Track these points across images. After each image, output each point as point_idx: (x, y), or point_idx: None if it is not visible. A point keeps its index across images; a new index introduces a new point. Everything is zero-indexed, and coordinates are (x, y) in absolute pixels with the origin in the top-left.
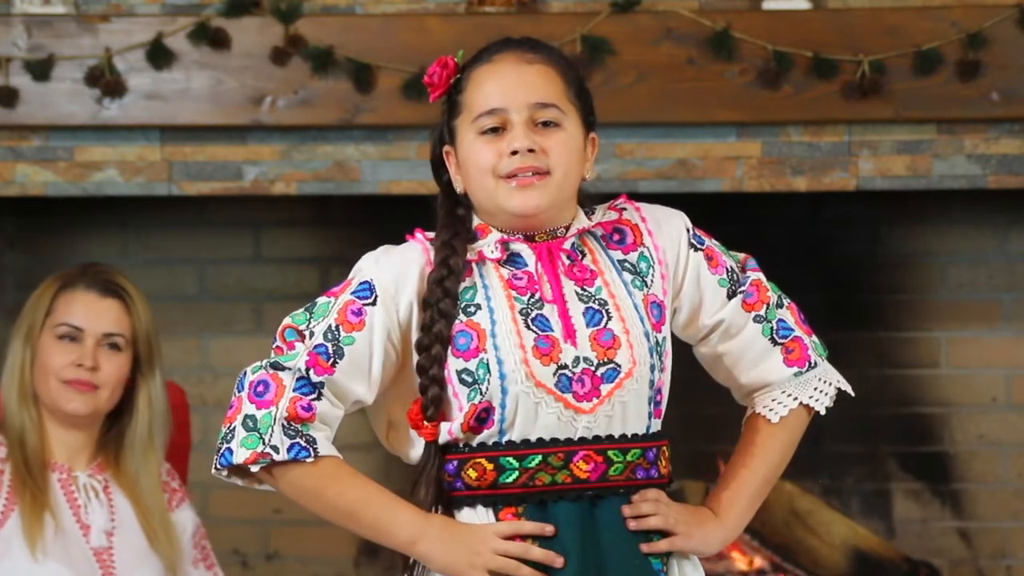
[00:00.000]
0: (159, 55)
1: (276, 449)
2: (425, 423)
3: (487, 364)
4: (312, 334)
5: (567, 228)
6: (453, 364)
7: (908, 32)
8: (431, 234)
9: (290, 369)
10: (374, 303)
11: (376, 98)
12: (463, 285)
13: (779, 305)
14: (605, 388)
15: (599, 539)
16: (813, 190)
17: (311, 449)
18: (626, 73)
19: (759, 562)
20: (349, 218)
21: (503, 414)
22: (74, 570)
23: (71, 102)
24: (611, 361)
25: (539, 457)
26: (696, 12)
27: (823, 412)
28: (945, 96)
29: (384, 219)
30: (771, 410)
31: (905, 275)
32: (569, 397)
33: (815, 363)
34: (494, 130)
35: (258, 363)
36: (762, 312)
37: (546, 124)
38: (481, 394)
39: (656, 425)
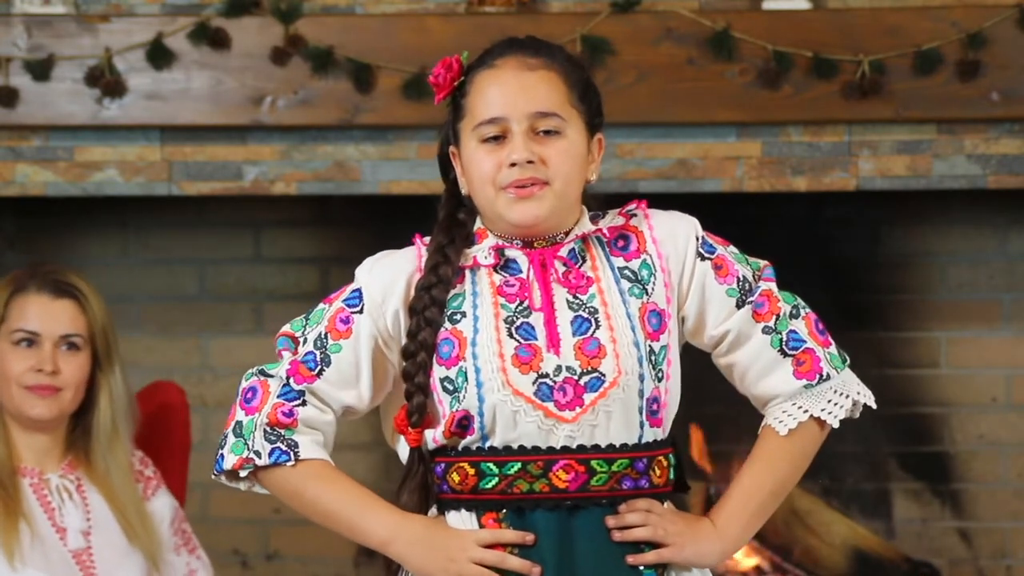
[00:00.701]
0: (159, 55)
1: (258, 454)
2: (410, 429)
3: (465, 372)
4: (305, 340)
5: (568, 233)
6: (437, 372)
7: (908, 32)
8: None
9: (276, 376)
10: (361, 311)
11: (376, 98)
12: (453, 292)
13: (793, 316)
14: (589, 397)
15: (577, 549)
16: (813, 190)
17: (291, 453)
18: (626, 73)
19: (759, 562)
20: (349, 218)
21: (482, 422)
22: (54, 575)
23: (71, 102)
24: (595, 370)
25: (518, 464)
26: (696, 12)
27: (836, 426)
28: (945, 96)
29: (384, 219)
30: (780, 422)
31: (905, 275)
32: (550, 406)
33: (827, 375)
34: (495, 138)
35: (251, 370)
36: (771, 323)
37: (547, 133)
38: (459, 402)
39: (653, 434)
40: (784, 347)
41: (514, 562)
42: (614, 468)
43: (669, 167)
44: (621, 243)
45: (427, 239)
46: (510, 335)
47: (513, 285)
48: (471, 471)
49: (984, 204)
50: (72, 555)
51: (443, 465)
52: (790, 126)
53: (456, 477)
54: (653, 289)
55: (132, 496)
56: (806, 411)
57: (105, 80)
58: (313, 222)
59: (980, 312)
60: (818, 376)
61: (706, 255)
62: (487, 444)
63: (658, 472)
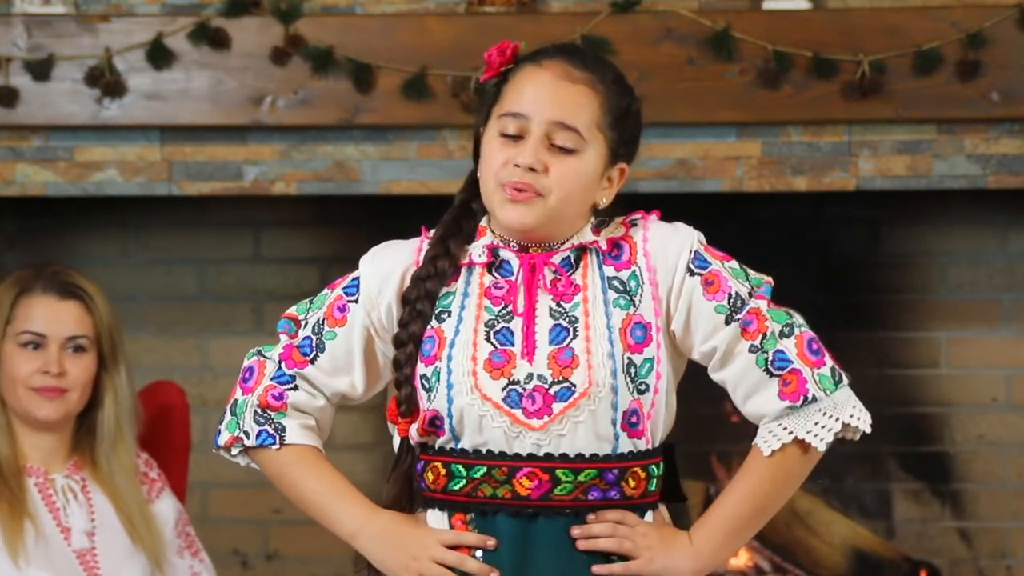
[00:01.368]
0: (159, 55)
1: (247, 434)
2: (400, 419)
3: (439, 373)
4: (306, 324)
5: (565, 241)
6: (419, 368)
7: (908, 32)
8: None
9: (271, 358)
10: (356, 301)
11: (376, 98)
12: (446, 289)
13: (784, 335)
14: (557, 406)
15: (536, 557)
16: (813, 190)
17: (277, 436)
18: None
19: (759, 562)
20: (349, 218)
21: (451, 423)
22: (58, 575)
23: (71, 102)
24: (566, 380)
25: (484, 468)
26: (696, 12)
27: (822, 449)
28: (945, 96)
29: (384, 219)
30: (765, 442)
31: (905, 275)
32: (518, 413)
33: (813, 397)
34: (513, 137)
35: (253, 350)
36: (757, 341)
37: (561, 147)
38: (431, 402)
39: (632, 445)
40: (769, 367)
41: (473, 564)
42: (580, 478)
43: (669, 167)
44: (615, 252)
45: (432, 233)
46: (487, 339)
47: (502, 288)
48: (443, 471)
49: (984, 204)
50: (76, 555)
51: (422, 463)
52: (790, 126)
53: (430, 476)
54: (640, 301)
55: (136, 497)
56: (791, 432)
57: (105, 80)
58: (313, 222)
59: (980, 312)
60: (803, 398)
61: (696, 270)
62: (458, 445)
63: (632, 484)
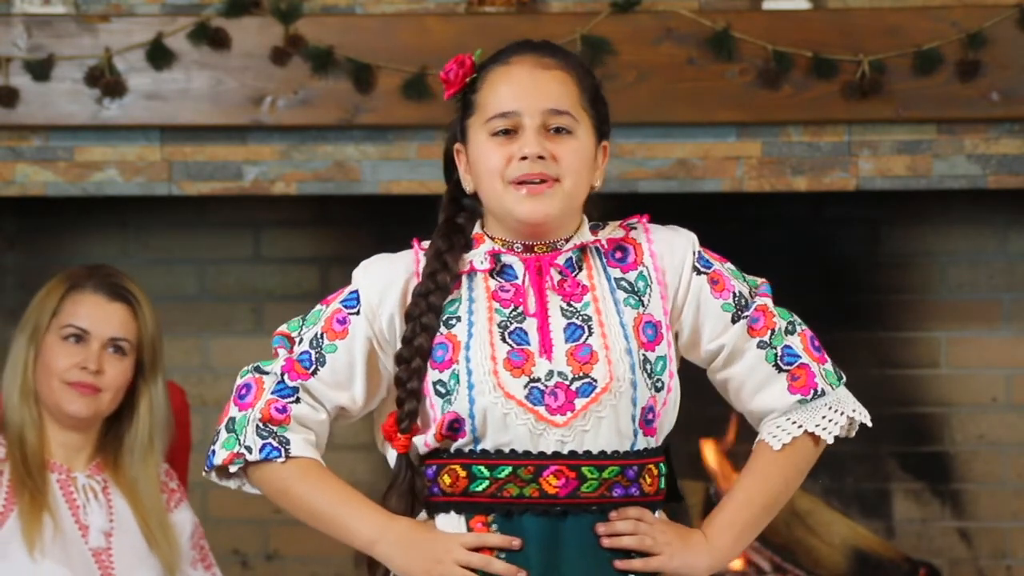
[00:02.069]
0: (159, 55)
1: (249, 449)
2: (399, 435)
3: (458, 375)
4: (301, 340)
5: (568, 240)
6: (430, 375)
7: (908, 32)
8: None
9: (271, 373)
10: (357, 313)
11: (376, 98)
12: (450, 297)
13: (789, 332)
14: (580, 402)
15: (564, 555)
16: (813, 190)
17: (282, 449)
18: (626, 73)
19: (759, 562)
20: (349, 218)
21: (473, 424)
22: (72, 570)
23: (71, 102)
24: (587, 376)
25: (509, 468)
26: (696, 12)
27: (830, 441)
28: (945, 96)
29: (384, 219)
30: (774, 437)
31: (905, 275)
32: (541, 410)
33: (822, 391)
34: (506, 132)
35: (247, 367)
36: (766, 338)
37: (558, 131)
38: (451, 404)
39: (646, 443)
40: (779, 362)
41: (499, 566)
42: (604, 475)
43: (669, 167)
44: (619, 254)
45: (425, 243)
46: (503, 339)
47: (508, 291)
48: (462, 473)
49: (984, 204)
50: (92, 553)
51: (434, 467)
52: (790, 126)
53: (447, 479)
54: (649, 301)
55: (157, 506)
56: (800, 426)
57: (105, 80)
58: (313, 222)
59: (980, 312)
60: (812, 391)
61: (702, 270)
62: (479, 447)
63: (648, 480)
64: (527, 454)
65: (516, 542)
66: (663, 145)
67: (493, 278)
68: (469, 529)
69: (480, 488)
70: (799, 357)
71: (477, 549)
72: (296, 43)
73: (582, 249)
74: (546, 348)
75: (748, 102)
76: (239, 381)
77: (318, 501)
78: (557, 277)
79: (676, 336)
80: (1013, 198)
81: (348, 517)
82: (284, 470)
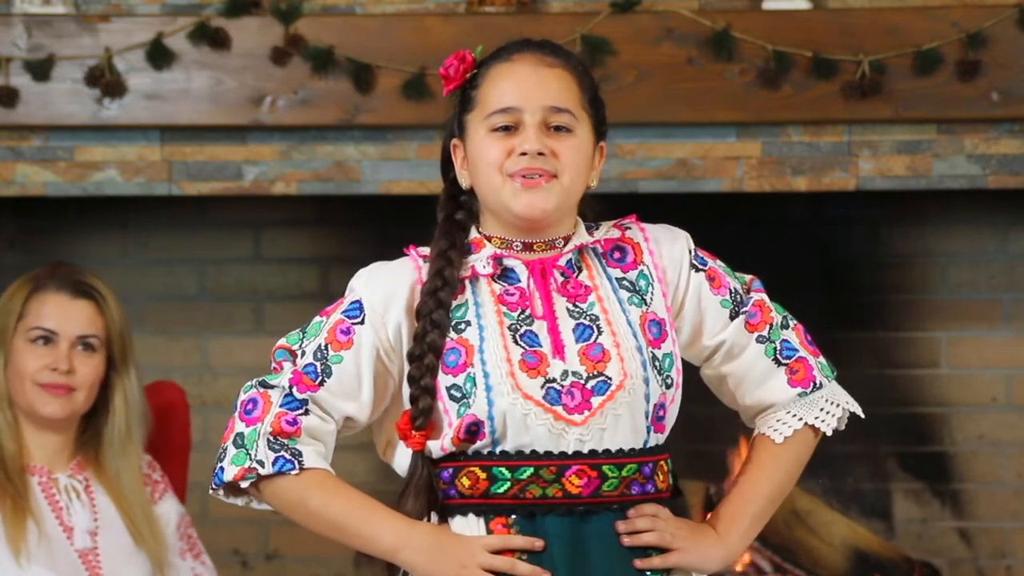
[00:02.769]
0: (159, 55)
1: (262, 463)
2: (413, 432)
3: (474, 378)
4: (304, 353)
5: (566, 240)
6: (443, 381)
7: (908, 32)
8: (424, 250)
9: (277, 387)
10: (362, 322)
11: (376, 98)
12: (454, 303)
13: (784, 326)
14: (596, 400)
15: (588, 554)
16: (813, 190)
17: (296, 462)
18: (626, 73)
19: (759, 562)
20: (349, 218)
21: (492, 426)
22: (59, 574)
23: (71, 102)
24: (601, 374)
25: (531, 469)
26: (696, 12)
27: (829, 433)
28: (945, 96)
29: (384, 219)
30: (775, 430)
31: (905, 275)
32: (559, 409)
33: (820, 384)
34: (506, 128)
35: (250, 383)
36: (765, 332)
37: (558, 128)
38: (468, 407)
39: (656, 439)
40: (778, 356)
41: (524, 568)
42: (624, 473)
43: (669, 167)
44: (617, 255)
45: (421, 249)
46: (515, 341)
47: (513, 294)
48: (482, 475)
49: (984, 204)
50: (78, 555)
51: (451, 470)
52: (790, 126)
53: (466, 482)
54: (652, 299)
55: (140, 499)
56: (801, 419)
57: (105, 80)
58: (313, 222)
59: (980, 312)
60: (812, 384)
61: (699, 267)
62: (498, 449)
63: (661, 477)
64: (548, 454)
65: (539, 543)
66: (663, 145)
67: (496, 282)
68: (489, 531)
69: (502, 490)
70: (797, 351)
71: (500, 552)
72: (296, 43)
73: (579, 251)
74: (558, 349)
75: (748, 102)
76: (243, 396)
77: (336, 511)
78: (560, 279)
79: (677, 333)
80: (1013, 198)
81: (368, 526)
82: (299, 482)
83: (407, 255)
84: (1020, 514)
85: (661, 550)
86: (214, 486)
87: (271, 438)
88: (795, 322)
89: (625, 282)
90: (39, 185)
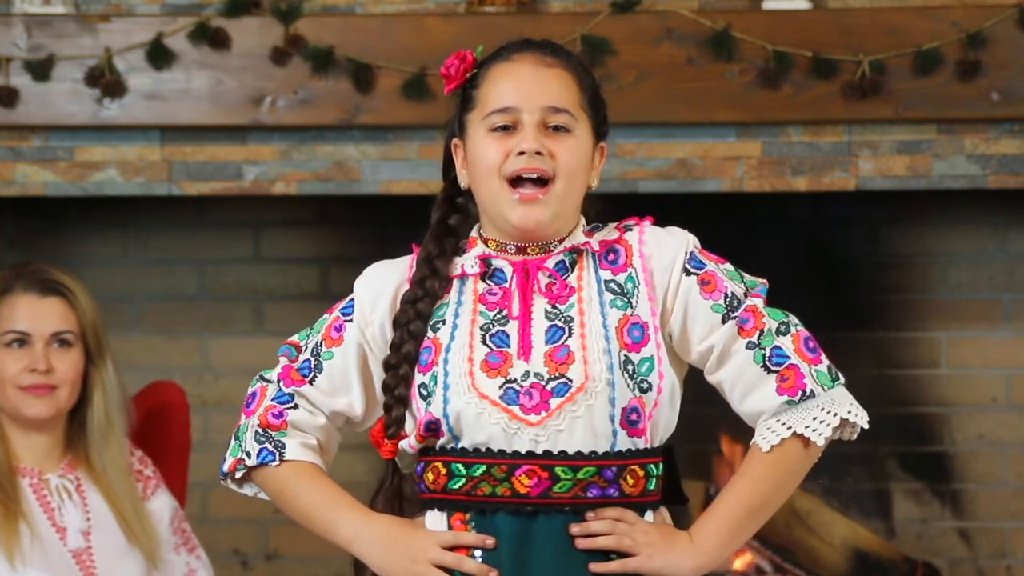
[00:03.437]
0: (159, 55)
1: (249, 454)
2: (386, 440)
3: (436, 377)
4: (306, 348)
5: (561, 243)
6: (416, 379)
7: (908, 32)
8: None
9: (273, 381)
10: (352, 320)
11: (376, 98)
12: (440, 302)
13: (781, 332)
14: (555, 402)
15: (535, 555)
16: (813, 190)
17: (277, 453)
18: (626, 73)
19: (759, 562)
20: (349, 218)
21: (448, 424)
22: (54, 575)
23: (71, 102)
24: (562, 376)
25: (484, 467)
26: (696, 12)
27: (821, 444)
28: (945, 96)
29: (384, 219)
30: (764, 438)
31: (905, 275)
32: (515, 409)
33: (811, 392)
34: (504, 128)
35: (256, 376)
36: (755, 338)
37: (557, 129)
38: (429, 406)
39: (631, 443)
40: (767, 363)
41: (471, 565)
42: (579, 476)
43: (669, 167)
44: (611, 256)
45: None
46: (483, 342)
47: (496, 294)
48: (443, 470)
49: (984, 204)
50: (72, 555)
51: (422, 464)
52: (790, 126)
53: (430, 476)
54: (637, 302)
55: (130, 494)
56: (789, 428)
57: (105, 80)
58: (313, 222)
59: (980, 312)
60: (800, 392)
61: (692, 270)
62: (459, 445)
63: (631, 482)
64: (501, 453)
65: (490, 541)
66: (663, 145)
67: (484, 281)
68: (450, 526)
69: (457, 486)
70: (788, 358)
71: (452, 548)
72: (296, 43)
73: (577, 251)
74: (525, 350)
75: (748, 102)
76: (249, 390)
77: (305, 502)
78: (545, 280)
79: (670, 337)
80: (1013, 198)
81: (331, 516)
82: (279, 473)
83: (412, 252)
84: (1020, 514)
85: (623, 554)
86: (221, 477)
87: (259, 430)
88: (797, 329)
89: (613, 284)
90: (39, 185)
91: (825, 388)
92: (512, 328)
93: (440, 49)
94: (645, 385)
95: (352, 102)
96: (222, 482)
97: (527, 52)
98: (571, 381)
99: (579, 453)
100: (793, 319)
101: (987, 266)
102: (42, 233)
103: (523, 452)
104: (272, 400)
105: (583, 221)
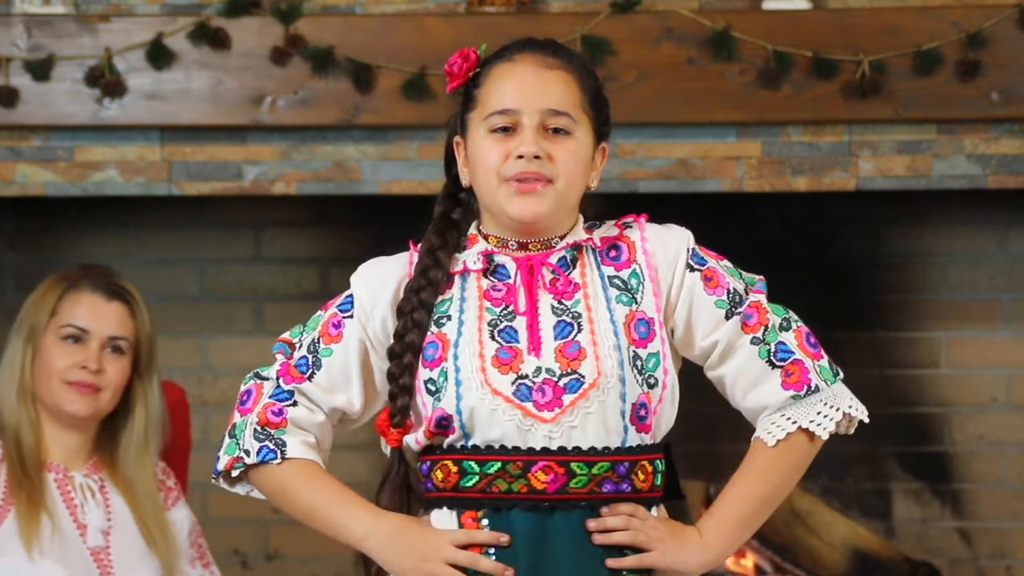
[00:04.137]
0: (159, 55)
1: (248, 453)
2: (391, 429)
3: (446, 373)
4: (301, 346)
5: (562, 239)
6: (422, 374)
7: (908, 32)
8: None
9: (269, 378)
10: (351, 316)
11: (376, 98)
12: (442, 297)
13: (784, 328)
14: (568, 398)
15: (553, 551)
16: (813, 190)
17: (278, 451)
18: (626, 73)
19: (759, 562)
20: (349, 218)
21: (461, 421)
22: (71, 570)
23: (71, 102)
24: (575, 372)
25: (498, 464)
26: (696, 12)
27: (825, 437)
28: (945, 96)
29: (384, 219)
30: (769, 433)
31: (905, 275)
32: (529, 406)
33: (816, 387)
34: (504, 130)
35: (250, 374)
36: (759, 334)
37: (556, 131)
38: (439, 402)
39: (639, 439)
40: (772, 358)
41: (486, 564)
42: (594, 471)
43: (669, 167)
44: (613, 253)
45: (422, 245)
46: (492, 337)
47: (500, 290)
48: (453, 468)
49: (984, 204)
50: (91, 552)
51: (428, 463)
52: (790, 126)
53: (439, 474)
54: (642, 298)
55: (154, 505)
56: (794, 422)
57: (105, 80)
58: (313, 222)
59: (980, 312)
60: (806, 387)
61: (696, 266)
62: (470, 443)
63: (641, 477)
64: (516, 449)
65: (504, 538)
66: (663, 145)
67: (486, 278)
68: (460, 525)
69: (470, 483)
70: (792, 353)
71: (466, 546)
72: (296, 43)
73: (577, 248)
74: (535, 346)
75: (748, 102)
76: (242, 388)
77: (311, 499)
78: (549, 276)
79: (672, 333)
80: (1013, 198)
81: (339, 514)
82: (280, 471)
83: (409, 249)
84: (1020, 514)
85: (637, 550)
86: (214, 476)
87: (257, 428)
88: (798, 325)
89: (617, 280)
90: (39, 185)
91: (828, 383)
92: (520, 324)
93: (440, 49)
94: (652, 381)
95: (352, 102)
96: (214, 480)
97: (529, 52)
98: (583, 377)
99: (592, 448)
100: (793, 315)
101: (987, 266)
102: (42, 233)
103: (537, 448)
104: (270, 397)
105: (581, 219)
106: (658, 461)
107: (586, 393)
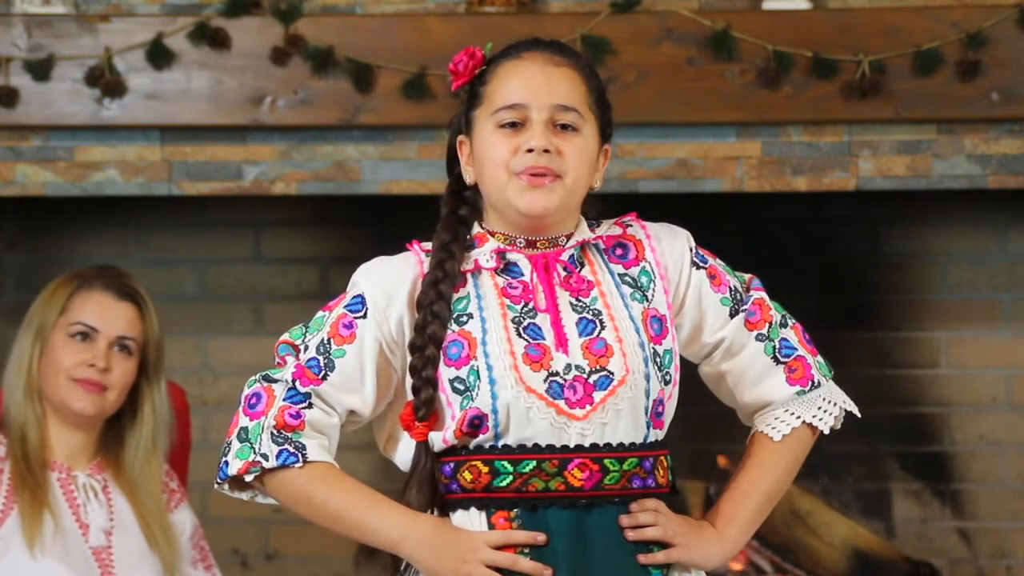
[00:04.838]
0: (159, 55)
1: (266, 457)
2: (417, 423)
3: (477, 371)
4: (306, 347)
5: (568, 238)
6: (445, 373)
7: (908, 32)
8: (427, 245)
9: (281, 381)
10: (364, 316)
11: (376, 98)
12: (457, 295)
13: (783, 325)
14: (598, 395)
15: (591, 548)
16: (813, 190)
17: (300, 455)
18: (626, 73)
19: (759, 562)
20: (349, 218)
21: (496, 419)
22: (73, 569)
23: (71, 102)
24: (604, 369)
25: (533, 463)
26: (696, 12)
27: (827, 432)
28: (945, 96)
29: (384, 219)
30: (774, 428)
31: (905, 275)
32: (561, 403)
33: (818, 383)
34: (513, 125)
35: (253, 377)
36: (764, 331)
37: (565, 127)
38: (472, 400)
39: (655, 435)
40: (777, 354)
41: (526, 564)
42: (625, 467)
43: (669, 167)
44: (619, 251)
45: (424, 244)
46: (519, 334)
47: (516, 287)
48: (484, 469)
49: (984, 204)
50: (92, 552)
51: (452, 464)
52: (790, 126)
53: (468, 475)
54: (653, 295)
55: (158, 506)
56: (799, 417)
57: (105, 80)
58: (313, 222)
59: (980, 312)
60: (810, 383)
61: (700, 264)
62: (500, 442)
63: (661, 472)
64: (551, 448)
65: (541, 537)
66: (663, 145)
67: (500, 275)
68: (491, 525)
69: (504, 483)
70: (795, 349)
71: (502, 547)
72: (296, 43)
73: (581, 247)
74: (561, 342)
75: (748, 102)
76: (247, 391)
77: (340, 504)
78: (563, 274)
79: (677, 330)
80: (1013, 198)
81: (371, 518)
82: (303, 475)
83: (408, 250)
84: (1020, 514)
85: (663, 545)
86: (219, 480)
87: (275, 431)
88: (794, 321)
89: (627, 278)
90: (39, 185)
91: (826, 379)
92: (544, 321)
93: (440, 49)
94: (668, 377)
95: (352, 102)
96: (216, 486)
97: (536, 51)
98: (612, 374)
99: (621, 444)
100: (787, 312)
101: (987, 266)
102: (42, 233)
103: (572, 446)
104: (285, 400)
105: (583, 219)
106: (669, 457)
107: (615, 390)
